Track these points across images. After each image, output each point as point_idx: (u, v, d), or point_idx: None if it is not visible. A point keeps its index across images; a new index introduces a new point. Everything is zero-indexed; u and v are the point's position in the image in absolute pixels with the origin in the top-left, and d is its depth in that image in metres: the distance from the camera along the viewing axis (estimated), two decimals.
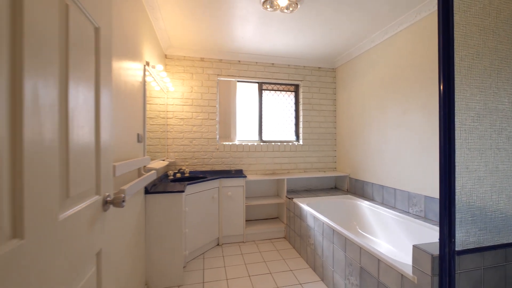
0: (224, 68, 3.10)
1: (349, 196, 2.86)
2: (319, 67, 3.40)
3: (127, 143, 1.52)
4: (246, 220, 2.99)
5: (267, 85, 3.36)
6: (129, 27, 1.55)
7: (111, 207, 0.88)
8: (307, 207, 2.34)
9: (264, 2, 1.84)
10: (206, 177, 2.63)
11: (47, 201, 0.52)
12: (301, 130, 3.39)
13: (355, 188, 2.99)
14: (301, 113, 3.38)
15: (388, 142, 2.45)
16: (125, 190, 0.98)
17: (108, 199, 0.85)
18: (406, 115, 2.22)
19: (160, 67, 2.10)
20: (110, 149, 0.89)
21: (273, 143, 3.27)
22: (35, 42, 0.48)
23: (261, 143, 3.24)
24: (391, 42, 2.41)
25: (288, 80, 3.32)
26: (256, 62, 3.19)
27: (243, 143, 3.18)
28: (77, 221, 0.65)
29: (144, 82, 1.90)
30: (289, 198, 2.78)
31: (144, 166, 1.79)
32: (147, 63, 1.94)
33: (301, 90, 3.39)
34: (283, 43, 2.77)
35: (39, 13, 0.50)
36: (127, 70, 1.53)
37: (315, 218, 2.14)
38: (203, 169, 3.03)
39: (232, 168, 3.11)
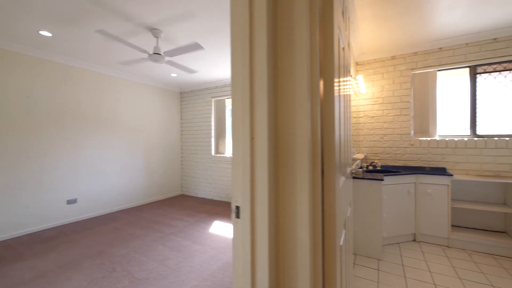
0: (419, 61, 2.96)
1: None
2: None
3: None
4: (452, 225, 2.69)
5: (484, 67, 2.72)
6: None
7: (351, 178, 1.43)
8: None
9: None
10: (400, 172, 2.72)
11: (347, 165, 1.11)
12: None
13: None
14: None
15: None
16: (354, 168, 1.52)
17: (352, 171, 1.41)
18: None
19: (360, 76, 2.56)
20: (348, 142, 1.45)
21: (495, 138, 2.61)
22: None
23: (475, 138, 2.70)
24: None
25: None
26: (467, 44, 2.71)
27: (447, 139, 2.84)
28: (347, 179, 1.23)
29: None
30: None
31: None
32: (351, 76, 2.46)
33: None
34: None
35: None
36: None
37: None
38: (395, 164, 3.10)
39: (430, 165, 2.90)
